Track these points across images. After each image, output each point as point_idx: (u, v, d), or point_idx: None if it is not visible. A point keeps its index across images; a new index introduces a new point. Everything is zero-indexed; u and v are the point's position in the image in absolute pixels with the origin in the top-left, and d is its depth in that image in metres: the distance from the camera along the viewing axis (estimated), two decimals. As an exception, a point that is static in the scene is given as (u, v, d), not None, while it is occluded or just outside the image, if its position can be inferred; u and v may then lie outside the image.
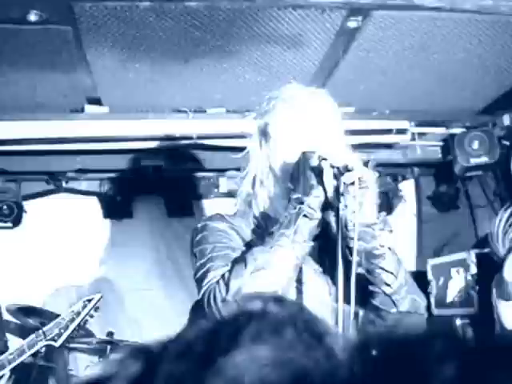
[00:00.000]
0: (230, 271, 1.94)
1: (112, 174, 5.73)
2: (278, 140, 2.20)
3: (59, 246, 5.88)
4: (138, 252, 6.09)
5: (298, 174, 2.01)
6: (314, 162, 1.99)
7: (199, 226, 2.23)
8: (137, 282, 6.10)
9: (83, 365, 5.20)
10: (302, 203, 1.96)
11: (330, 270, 2.16)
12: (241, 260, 1.96)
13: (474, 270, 4.16)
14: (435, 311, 4.45)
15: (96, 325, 5.49)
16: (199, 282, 2.05)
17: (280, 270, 1.90)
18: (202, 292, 2.00)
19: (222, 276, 1.96)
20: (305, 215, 1.95)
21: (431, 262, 4.76)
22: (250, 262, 1.91)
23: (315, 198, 1.97)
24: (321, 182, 1.98)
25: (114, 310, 6.01)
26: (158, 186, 5.82)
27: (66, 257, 5.94)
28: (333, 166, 1.95)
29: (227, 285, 1.88)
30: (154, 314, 5.96)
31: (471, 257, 4.20)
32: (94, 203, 6.02)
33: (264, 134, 2.26)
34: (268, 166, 2.23)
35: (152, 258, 6.15)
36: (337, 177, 1.93)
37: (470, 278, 4.18)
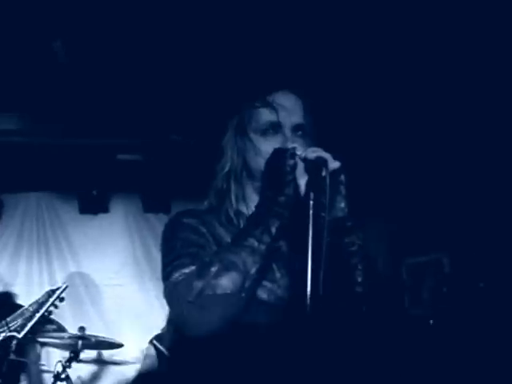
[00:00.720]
0: (195, 271, 1.87)
1: (88, 168, 5.70)
2: (252, 136, 2.20)
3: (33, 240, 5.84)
4: (112, 247, 6.06)
5: (271, 172, 2.00)
6: (287, 158, 1.97)
7: (169, 221, 2.19)
8: (110, 277, 6.06)
9: (55, 359, 5.16)
10: (273, 202, 1.93)
11: (298, 267, 2.13)
12: (206, 259, 1.90)
13: (447, 269, 4.20)
14: (410, 310, 4.48)
15: (68, 319, 5.45)
16: (164, 279, 1.98)
17: (245, 270, 1.84)
18: (166, 291, 1.96)
19: (187, 275, 1.90)
20: (274, 215, 1.92)
21: (406, 261, 4.80)
22: (215, 262, 1.86)
23: (287, 197, 1.93)
24: (293, 179, 1.95)
25: (86, 305, 5.98)
26: (135, 180, 5.79)
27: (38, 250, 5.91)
28: (305, 159, 1.93)
29: (190, 284, 1.83)
30: (127, 309, 5.92)
31: (445, 256, 4.24)
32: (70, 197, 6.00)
33: (238, 129, 2.26)
34: (242, 161, 2.22)
35: (127, 254, 6.12)
36: (309, 170, 1.92)
37: (443, 277, 4.22)
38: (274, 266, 2.01)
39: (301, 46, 4.28)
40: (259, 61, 4.30)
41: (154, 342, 4.65)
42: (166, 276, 1.95)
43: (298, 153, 1.96)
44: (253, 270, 1.85)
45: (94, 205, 6.01)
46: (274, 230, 1.90)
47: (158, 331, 4.84)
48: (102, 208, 6.01)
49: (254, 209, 2.03)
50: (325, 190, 1.85)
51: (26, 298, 5.86)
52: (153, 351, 4.29)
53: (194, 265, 1.88)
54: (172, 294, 1.89)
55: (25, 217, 6.27)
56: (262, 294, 1.94)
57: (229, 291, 1.79)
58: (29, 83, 5.00)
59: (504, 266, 4.67)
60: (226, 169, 2.22)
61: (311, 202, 1.87)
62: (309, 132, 2.20)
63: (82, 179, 6.00)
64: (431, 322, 4.29)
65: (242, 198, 2.19)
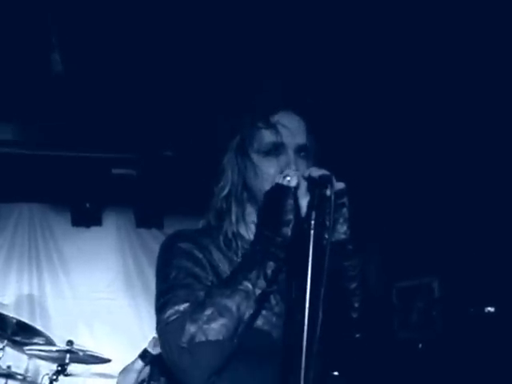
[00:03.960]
0: (188, 312, 1.81)
1: (82, 181, 5.70)
2: (253, 157, 2.17)
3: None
4: (104, 260, 6.05)
5: (269, 208, 1.94)
6: (288, 196, 1.89)
7: (165, 244, 2.15)
8: (100, 290, 6.04)
9: (42, 372, 5.13)
10: (269, 242, 1.87)
11: (294, 294, 2.01)
12: (199, 302, 1.84)
13: (437, 293, 4.20)
14: (399, 334, 4.48)
15: (56, 332, 5.42)
16: (157, 312, 1.94)
17: (238, 316, 1.79)
18: (158, 327, 1.92)
19: (180, 314, 1.82)
20: (270, 258, 1.85)
21: (396, 284, 4.79)
22: (207, 306, 1.80)
23: (283, 238, 1.86)
24: (292, 220, 1.88)
25: (75, 318, 5.95)
26: (129, 195, 5.79)
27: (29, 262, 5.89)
28: (309, 177, 1.87)
29: (183, 327, 1.78)
30: (116, 323, 5.90)
31: (435, 280, 4.24)
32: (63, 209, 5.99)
33: (239, 149, 2.23)
34: (242, 182, 2.20)
35: (118, 268, 6.10)
36: (312, 189, 1.85)
37: (433, 301, 4.22)
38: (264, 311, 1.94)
39: (301, 64, 4.30)
40: (257, 78, 4.32)
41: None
42: (159, 308, 1.89)
43: (292, 183, 1.90)
44: (246, 315, 1.80)
45: (86, 217, 6.00)
46: (269, 272, 1.85)
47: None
48: (95, 221, 6.00)
49: (253, 230, 2.00)
50: (328, 211, 1.80)
51: (15, 308, 5.85)
52: (139, 363, 4.25)
53: (188, 301, 1.82)
54: (164, 334, 1.84)
55: (17, 227, 6.25)
56: (258, 321, 1.89)
57: (221, 337, 1.75)
58: (24, 94, 5.00)
59: (494, 291, 4.67)
60: (227, 189, 2.18)
61: (312, 223, 1.82)
62: (311, 153, 2.18)
63: (76, 191, 5.99)
64: (420, 345, 4.28)
65: (242, 218, 2.15)
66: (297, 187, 1.89)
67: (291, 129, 2.12)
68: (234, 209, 2.14)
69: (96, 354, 5.00)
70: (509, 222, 4.75)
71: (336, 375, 2.07)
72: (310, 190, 1.88)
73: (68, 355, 4.83)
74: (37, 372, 5.53)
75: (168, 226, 6.03)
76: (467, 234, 4.97)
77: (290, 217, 1.88)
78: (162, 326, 1.85)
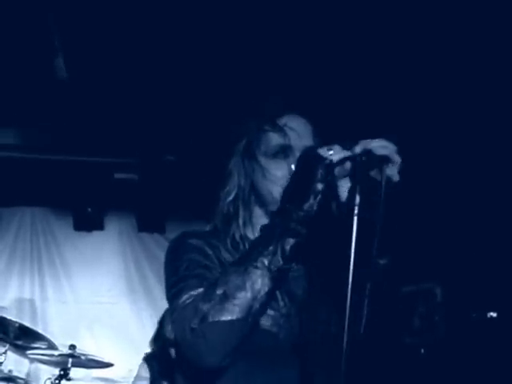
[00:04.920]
0: (202, 293, 1.76)
1: (84, 185, 5.71)
2: (260, 159, 2.16)
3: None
4: (105, 265, 6.05)
5: (297, 176, 1.82)
6: (321, 163, 1.73)
7: (174, 242, 2.15)
8: (102, 294, 6.04)
9: (44, 376, 5.12)
10: (290, 217, 1.75)
11: (318, 293, 1.97)
12: (213, 282, 1.78)
13: (439, 298, 4.20)
14: (402, 339, 4.47)
15: (58, 336, 5.42)
16: (171, 302, 1.91)
17: (253, 295, 1.71)
18: (174, 314, 1.87)
19: (194, 297, 1.76)
20: (290, 234, 1.73)
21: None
22: (220, 285, 1.73)
23: (306, 213, 1.73)
24: (321, 191, 1.72)
25: (77, 322, 5.95)
26: (131, 199, 5.79)
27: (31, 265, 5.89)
28: (349, 157, 1.68)
29: (196, 308, 1.72)
30: (118, 328, 5.90)
31: (437, 286, 4.24)
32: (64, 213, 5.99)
33: (246, 152, 2.23)
34: (250, 185, 2.19)
35: (120, 272, 6.10)
36: (356, 168, 1.68)
37: (435, 306, 4.21)
38: (278, 293, 1.91)
39: (305, 67, 4.30)
40: (260, 83, 4.32)
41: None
42: (173, 296, 1.84)
43: (334, 157, 1.74)
44: (261, 294, 1.71)
45: (88, 222, 6.00)
46: (287, 249, 1.73)
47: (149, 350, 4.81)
48: (97, 225, 6.01)
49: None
50: (379, 193, 1.64)
51: (16, 312, 5.85)
52: (145, 369, 4.25)
53: (201, 287, 1.78)
54: (179, 318, 1.79)
55: (19, 231, 6.26)
56: (265, 322, 1.86)
57: (234, 317, 1.68)
58: (27, 98, 5.02)
59: (496, 296, 4.67)
60: (233, 193, 2.17)
61: (356, 208, 1.62)
62: None
63: (78, 196, 6.00)
64: (422, 350, 4.28)
65: (250, 221, 2.14)
66: (336, 164, 1.74)
67: (298, 131, 2.11)
68: (241, 212, 2.13)
69: (98, 359, 4.99)
70: (510, 228, 4.76)
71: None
72: (352, 171, 1.72)
73: (70, 359, 4.83)
74: (38, 376, 5.52)
75: (170, 230, 6.03)
76: (469, 239, 4.97)
77: (319, 188, 1.74)
78: (178, 311, 1.80)
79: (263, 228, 1.88)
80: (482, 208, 4.96)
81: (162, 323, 4.22)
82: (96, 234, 6.05)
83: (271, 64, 4.33)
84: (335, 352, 1.62)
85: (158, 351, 4.18)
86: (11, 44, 4.33)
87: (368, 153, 1.65)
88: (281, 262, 1.72)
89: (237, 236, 2.09)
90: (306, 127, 2.17)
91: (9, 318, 5.04)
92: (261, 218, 2.10)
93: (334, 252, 1.77)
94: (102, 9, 4.04)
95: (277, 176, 2.04)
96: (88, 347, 5.40)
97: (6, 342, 4.82)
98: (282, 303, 1.94)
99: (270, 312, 1.88)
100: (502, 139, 4.70)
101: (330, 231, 1.81)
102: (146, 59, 4.44)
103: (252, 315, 1.71)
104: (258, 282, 1.71)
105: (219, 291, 1.72)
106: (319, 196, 1.72)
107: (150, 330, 5.45)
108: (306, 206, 1.73)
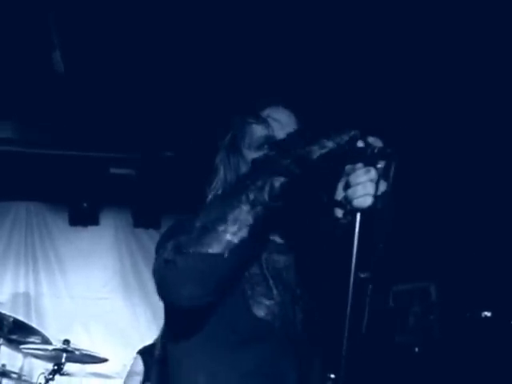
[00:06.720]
0: (181, 226, 1.68)
1: (80, 180, 5.70)
2: (245, 152, 2.16)
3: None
4: (100, 260, 6.04)
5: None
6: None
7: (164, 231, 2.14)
8: (97, 290, 6.04)
9: (38, 371, 5.12)
10: (287, 153, 1.62)
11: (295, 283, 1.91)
12: (194, 214, 1.67)
13: (434, 297, 4.21)
14: (396, 338, 4.48)
15: (52, 331, 5.41)
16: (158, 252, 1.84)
17: (233, 229, 1.59)
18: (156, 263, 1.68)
19: (173, 231, 1.69)
20: (283, 171, 1.60)
21: (393, 288, 4.80)
22: (201, 217, 1.62)
23: (308, 153, 1.57)
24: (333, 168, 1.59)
25: (72, 317, 5.94)
26: (127, 195, 5.79)
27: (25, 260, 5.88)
28: (364, 148, 1.56)
29: (173, 240, 1.63)
30: (112, 323, 5.89)
31: (432, 285, 4.25)
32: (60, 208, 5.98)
33: (231, 146, 2.22)
34: (235, 179, 2.18)
35: (115, 268, 6.10)
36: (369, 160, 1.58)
37: (430, 305, 4.22)
38: (271, 282, 1.89)
39: (292, 60, 4.30)
40: (251, 76, 4.33)
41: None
42: (158, 247, 1.74)
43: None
44: (242, 229, 1.60)
45: (84, 217, 6.00)
46: (277, 186, 1.60)
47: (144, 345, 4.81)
48: (92, 220, 6.00)
49: None
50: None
51: (11, 307, 5.84)
52: (139, 364, 4.24)
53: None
54: (157, 251, 1.71)
55: (14, 225, 6.24)
56: (259, 311, 1.84)
57: (210, 250, 1.57)
58: (24, 92, 5.00)
59: (490, 295, 4.68)
60: (220, 188, 2.17)
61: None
62: None
63: (74, 191, 5.99)
64: (416, 349, 4.29)
65: None
66: (356, 142, 1.57)
67: (282, 122, 2.10)
68: None
69: (92, 354, 4.99)
70: (505, 227, 4.77)
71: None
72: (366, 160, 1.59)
73: (64, 354, 4.82)
74: (32, 371, 5.51)
75: (165, 226, 5.91)
76: (464, 238, 4.99)
77: (328, 145, 1.58)
78: (157, 244, 1.72)
79: (254, 161, 1.78)
80: (477, 208, 4.97)
81: None
82: (91, 229, 6.04)
83: (270, 61, 4.33)
84: (328, 340, 1.59)
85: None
86: (8, 38, 4.32)
87: (381, 149, 1.58)
88: (266, 199, 1.61)
89: None
90: (289, 118, 2.15)
91: (3, 312, 5.03)
92: None
93: (326, 246, 1.71)
94: (100, 3, 4.04)
95: None
96: (82, 342, 5.39)
97: (0, 337, 4.81)
98: (275, 292, 1.90)
99: (265, 301, 1.86)
100: (499, 138, 4.71)
101: (321, 225, 1.73)
102: (143, 54, 4.43)
103: (229, 251, 1.58)
104: (240, 216, 1.60)
105: (198, 223, 1.63)
106: (325, 150, 1.57)
107: (145, 326, 5.47)
108: (308, 148, 1.59)
